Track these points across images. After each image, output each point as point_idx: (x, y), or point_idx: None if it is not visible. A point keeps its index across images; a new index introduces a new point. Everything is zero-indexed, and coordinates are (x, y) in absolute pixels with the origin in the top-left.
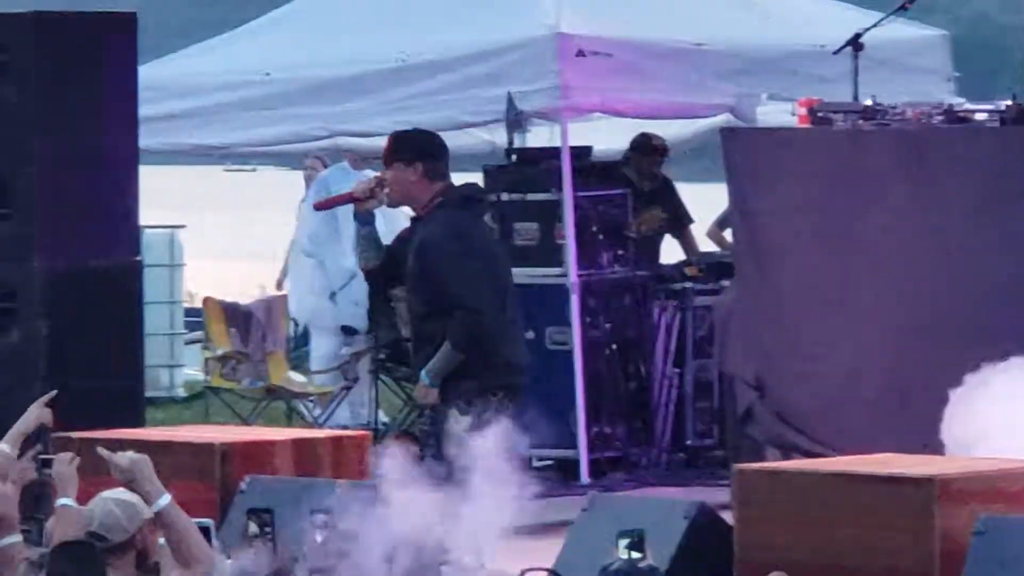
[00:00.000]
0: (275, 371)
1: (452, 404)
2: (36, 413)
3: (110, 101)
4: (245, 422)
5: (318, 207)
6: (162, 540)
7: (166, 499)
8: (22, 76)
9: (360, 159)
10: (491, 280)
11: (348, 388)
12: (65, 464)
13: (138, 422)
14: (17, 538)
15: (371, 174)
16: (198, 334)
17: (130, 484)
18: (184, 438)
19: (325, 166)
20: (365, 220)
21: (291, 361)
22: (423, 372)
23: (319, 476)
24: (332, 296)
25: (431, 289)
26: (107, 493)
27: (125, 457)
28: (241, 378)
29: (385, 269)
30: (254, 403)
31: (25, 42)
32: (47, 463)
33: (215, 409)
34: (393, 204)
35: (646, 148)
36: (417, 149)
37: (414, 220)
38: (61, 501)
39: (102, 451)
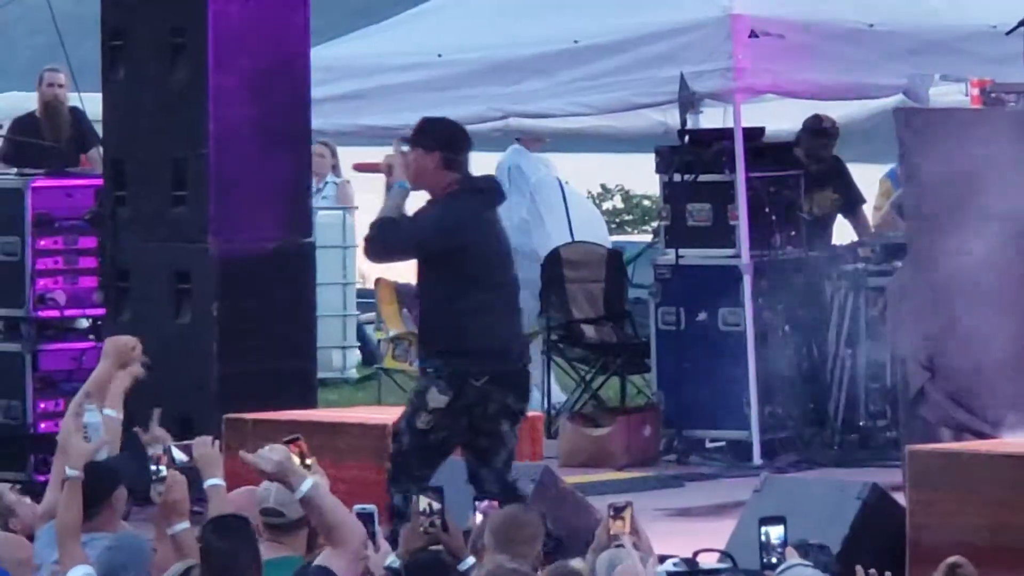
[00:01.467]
0: None
1: (433, 382)
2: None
3: (283, 82)
4: None
5: (356, 167)
6: None
7: (309, 482)
8: (197, 59)
9: (533, 140)
10: (475, 266)
11: None
12: (208, 446)
13: (310, 403)
14: (187, 524)
15: (544, 156)
16: (370, 315)
17: (276, 478)
18: (356, 419)
19: (333, 153)
20: (406, 187)
21: None
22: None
23: None
24: None
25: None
26: None
27: (264, 457)
28: (413, 359)
29: None
30: None
31: (199, 25)
32: (185, 449)
33: (388, 390)
34: (412, 186)
35: (817, 130)
36: (439, 138)
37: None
38: (210, 482)
39: (244, 455)
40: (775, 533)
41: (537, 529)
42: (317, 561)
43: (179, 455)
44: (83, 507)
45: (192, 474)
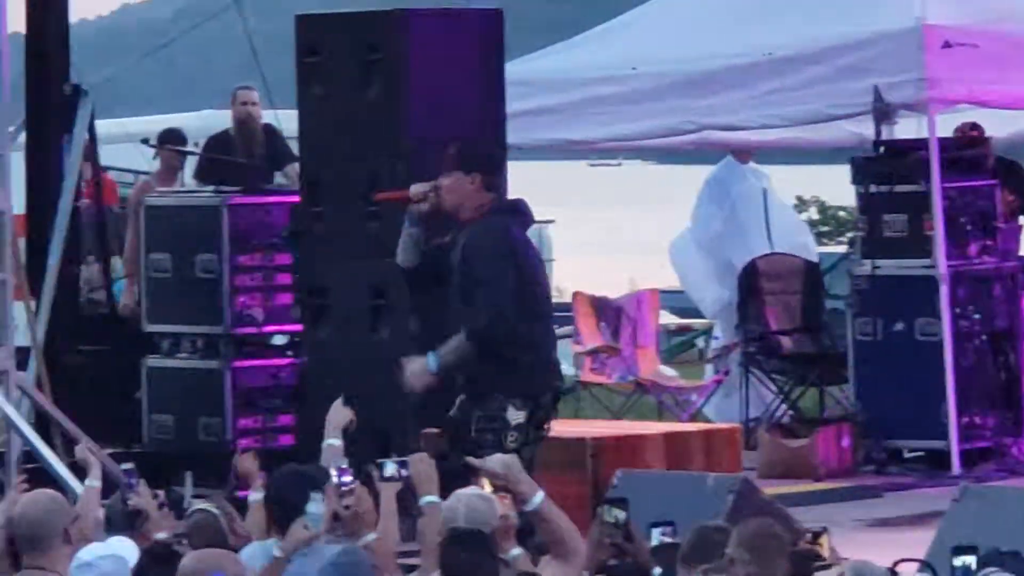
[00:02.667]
0: (645, 365)
1: (508, 401)
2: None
3: (479, 97)
4: (616, 416)
5: (377, 199)
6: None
7: (540, 496)
8: (394, 74)
9: (745, 152)
10: (531, 286)
11: (719, 382)
12: (423, 463)
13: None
14: (375, 535)
15: (756, 167)
16: (568, 329)
17: (505, 486)
18: (555, 433)
19: None
20: (414, 220)
21: (662, 355)
22: (431, 354)
23: (690, 470)
24: None
25: (470, 287)
26: (463, 491)
27: (496, 461)
28: (611, 372)
29: (418, 272)
30: (624, 397)
31: (398, 40)
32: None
33: (586, 404)
34: (445, 208)
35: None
36: (478, 161)
37: (458, 228)
38: (426, 499)
39: (471, 460)
40: (966, 563)
41: (787, 540)
42: None
43: (394, 470)
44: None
45: (405, 491)
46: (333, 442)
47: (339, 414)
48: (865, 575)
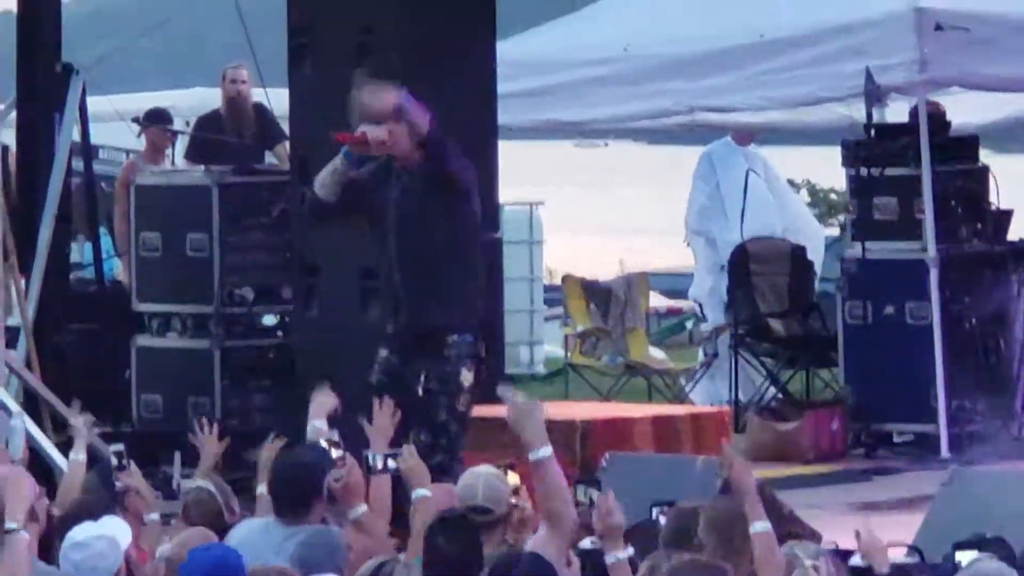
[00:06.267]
0: (635, 347)
1: (461, 363)
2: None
3: (470, 78)
4: (605, 399)
5: (338, 138)
6: None
7: (547, 451)
8: (385, 55)
9: (745, 135)
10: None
11: (708, 364)
12: (415, 456)
13: (498, 399)
14: (366, 507)
15: (756, 149)
16: (557, 310)
17: (517, 426)
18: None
19: None
20: (354, 161)
21: (651, 337)
22: None
23: (679, 453)
24: (722, 269)
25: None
26: (479, 469)
27: (520, 399)
28: (601, 354)
29: (341, 204)
30: (614, 380)
31: (388, 21)
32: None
33: (575, 386)
34: (393, 153)
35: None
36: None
37: (402, 169)
38: (418, 492)
39: (503, 390)
40: (967, 559)
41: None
42: (529, 546)
43: (384, 461)
44: (294, 508)
45: (396, 482)
46: (317, 423)
47: (324, 398)
48: (798, 555)
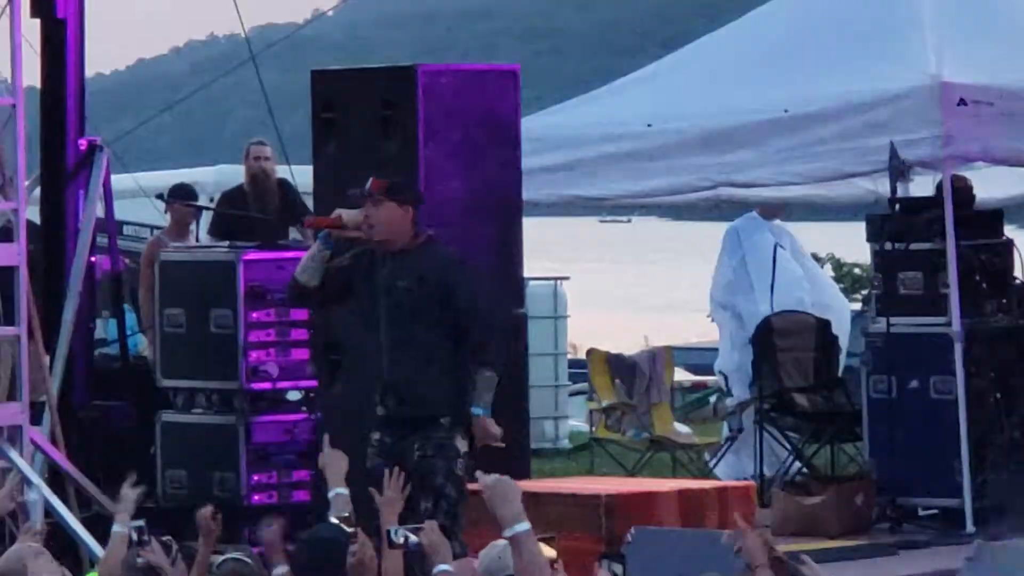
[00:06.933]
0: (660, 422)
1: (454, 431)
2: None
3: (494, 154)
4: (630, 473)
5: (307, 224)
6: None
7: (525, 526)
8: (407, 131)
9: (771, 211)
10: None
11: (733, 439)
12: (437, 532)
13: (523, 473)
14: None
15: (781, 224)
16: (582, 385)
17: (491, 504)
18: (570, 489)
19: None
20: (329, 244)
21: (676, 412)
22: (473, 407)
23: (704, 527)
24: (748, 344)
25: (453, 316)
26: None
27: (491, 479)
28: (626, 429)
29: (317, 290)
30: (639, 454)
31: (410, 97)
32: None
33: (600, 460)
34: (375, 238)
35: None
36: (413, 195)
37: (385, 254)
38: (440, 568)
39: (480, 475)
40: None
41: None
42: None
43: (405, 537)
44: None
45: (416, 557)
46: (340, 491)
47: (335, 461)
48: None
